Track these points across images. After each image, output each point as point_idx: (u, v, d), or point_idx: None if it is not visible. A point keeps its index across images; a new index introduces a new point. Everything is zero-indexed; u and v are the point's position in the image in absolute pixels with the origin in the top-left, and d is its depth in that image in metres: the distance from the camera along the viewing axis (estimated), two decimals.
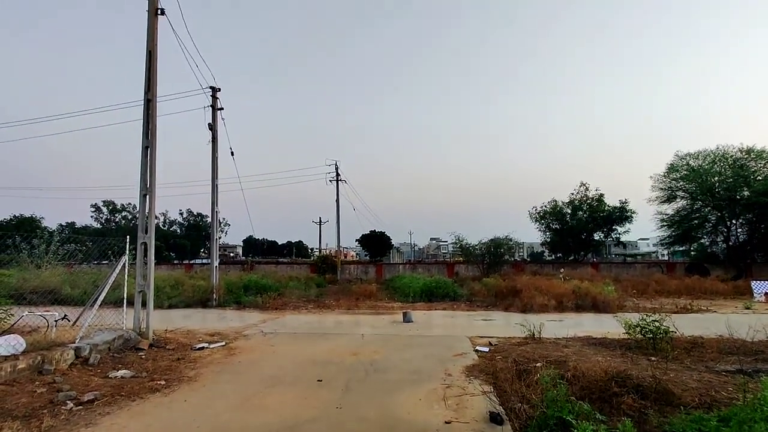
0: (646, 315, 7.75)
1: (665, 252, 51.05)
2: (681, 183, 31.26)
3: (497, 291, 17.01)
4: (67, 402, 4.96)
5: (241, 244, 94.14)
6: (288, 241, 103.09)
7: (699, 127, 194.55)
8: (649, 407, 4.27)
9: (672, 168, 31.81)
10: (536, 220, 40.24)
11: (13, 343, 6.15)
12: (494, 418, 4.40)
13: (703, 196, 29.78)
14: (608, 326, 10.23)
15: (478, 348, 8.24)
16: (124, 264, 8.38)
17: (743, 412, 3.44)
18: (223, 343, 8.84)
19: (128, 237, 8.67)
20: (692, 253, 35.11)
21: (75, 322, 8.26)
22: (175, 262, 48.97)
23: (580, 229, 37.49)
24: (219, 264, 18.10)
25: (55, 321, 7.80)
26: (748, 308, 15.18)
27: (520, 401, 4.55)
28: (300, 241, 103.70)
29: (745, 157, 29.36)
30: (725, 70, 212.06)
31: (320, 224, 57.39)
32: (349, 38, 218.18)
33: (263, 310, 15.20)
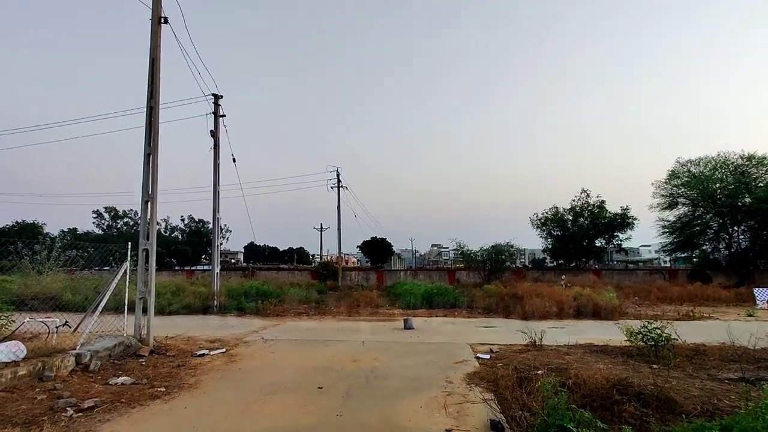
0: (648, 322, 7.73)
1: (667, 259, 50.82)
2: (682, 189, 31.28)
3: (498, 298, 16.98)
4: (67, 409, 4.95)
5: (243, 250, 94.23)
6: (289, 248, 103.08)
7: (699, 132, 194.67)
8: (651, 415, 4.25)
9: (673, 174, 31.85)
10: (537, 227, 40.31)
11: (14, 350, 6.15)
12: (495, 426, 4.38)
13: (704, 203, 29.77)
14: (610, 333, 10.21)
15: (479, 355, 8.21)
16: (126, 270, 8.40)
17: (745, 420, 3.42)
18: (224, 350, 8.83)
19: (130, 243, 8.69)
20: (694, 259, 35.04)
21: (76, 328, 8.26)
22: (177, 268, 48.99)
23: (582, 236, 37.47)
24: (220, 270, 18.11)
25: (56, 327, 7.81)
26: (750, 315, 15.11)
27: (521, 409, 4.53)
28: (301, 248, 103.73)
29: (746, 163, 29.37)
30: (725, 73, 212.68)
31: (321, 231, 57.43)
32: (350, 43, 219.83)
33: (264, 317, 15.18)
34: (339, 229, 36.82)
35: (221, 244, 20.82)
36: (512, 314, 14.96)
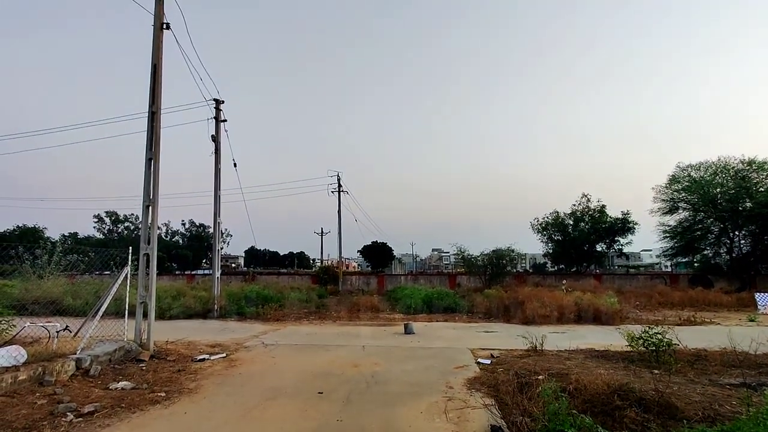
0: (649, 327, 7.73)
1: (668, 263, 50.82)
2: (683, 194, 31.29)
3: (499, 302, 16.94)
4: (68, 414, 4.95)
5: (243, 254, 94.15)
6: (290, 252, 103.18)
7: (699, 132, 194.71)
8: (652, 421, 4.24)
9: (673, 179, 31.87)
10: (538, 231, 40.30)
11: (15, 354, 6.15)
12: None
13: (705, 208, 29.76)
14: (611, 338, 10.19)
15: (479, 360, 8.19)
16: (127, 275, 8.41)
17: (747, 426, 3.41)
18: (224, 355, 8.82)
19: (131, 248, 8.70)
20: (695, 264, 34.97)
21: (76, 333, 8.25)
22: (177, 272, 49.00)
23: (582, 241, 37.45)
24: (221, 275, 18.11)
25: (57, 332, 7.80)
26: (752, 321, 15.07)
27: (521, 414, 4.52)
28: (302, 252, 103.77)
29: (747, 168, 29.37)
30: (725, 74, 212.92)
31: (322, 235, 57.49)
32: (350, 44, 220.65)
33: (264, 321, 15.16)
34: (340, 233, 36.87)
35: (222, 248, 20.85)
36: (513, 319, 14.94)
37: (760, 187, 28.50)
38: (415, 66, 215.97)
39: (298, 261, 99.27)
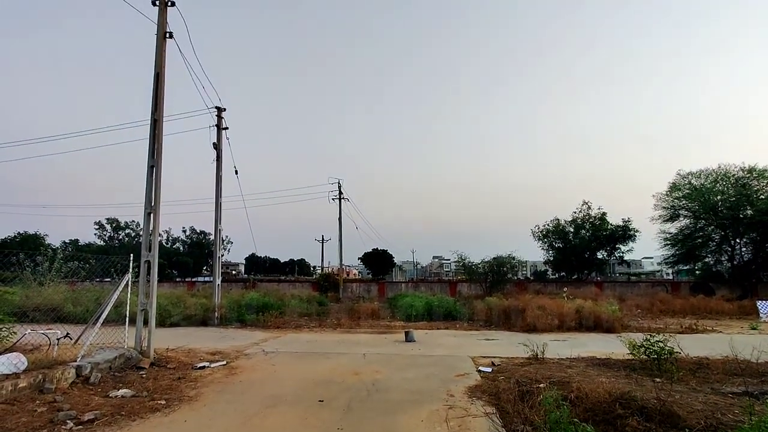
0: (651, 335, 7.70)
1: (669, 271, 50.70)
2: (684, 202, 31.35)
3: (500, 310, 16.89)
4: (67, 421, 4.94)
5: (244, 261, 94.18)
6: (290, 259, 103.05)
7: (699, 132, 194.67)
8: (654, 430, 4.22)
9: (674, 187, 31.93)
10: (539, 239, 40.29)
11: (15, 362, 6.15)
12: None
13: (706, 215, 29.79)
14: (612, 346, 10.15)
15: (480, 368, 8.16)
16: (128, 282, 8.41)
17: None
18: (225, 362, 8.80)
19: (132, 255, 8.72)
20: (697, 272, 34.93)
21: (77, 340, 8.24)
22: (178, 279, 48.93)
23: (583, 248, 37.43)
24: (221, 282, 18.09)
25: (57, 339, 7.80)
26: (754, 329, 15.01)
27: (522, 423, 4.51)
28: (302, 259, 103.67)
29: (747, 176, 29.45)
30: (725, 74, 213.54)
31: (323, 242, 57.43)
32: (352, 52, 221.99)
33: (265, 329, 15.13)
34: (340, 240, 36.86)
35: (222, 255, 20.85)
36: (514, 327, 14.90)
37: (761, 194, 28.54)
38: (414, 69, 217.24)
39: (298, 268, 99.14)
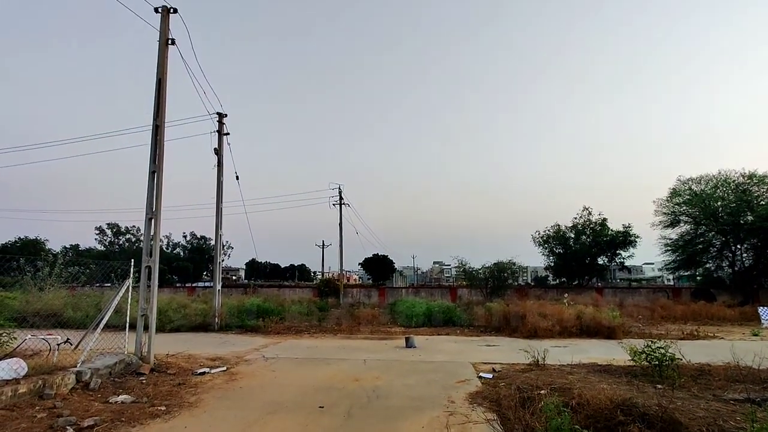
0: (652, 341, 7.69)
1: (670, 277, 50.57)
2: (684, 207, 31.36)
3: (501, 316, 16.86)
4: (67, 428, 4.93)
5: (244, 267, 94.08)
6: (291, 264, 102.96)
7: (699, 134, 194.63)
8: None
9: (674, 193, 31.96)
10: (540, 245, 40.20)
11: (15, 367, 6.14)
12: None
13: (706, 221, 29.79)
14: (613, 353, 10.13)
15: (481, 374, 8.14)
16: (128, 287, 8.42)
17: None
18: (225, 368, 8.78)
19: (132, 260, 8.73)
20: (698, 278, 34.86)
21: (77, 345, 8.24)
22: (178, 285, 48.88)
23: (584, 254, 37.37)
24: (221, 287, 18.08)
25: (57, 344, 7.79)
26: (755, 335, 14.97)
27: (524, 430, 4.50)
28: (303, 265, 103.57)
29: (748, 182, 29.49)
30: (725, 76, 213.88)
31: (323, 248, 57.38)
32: (352, 54, 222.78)
33: (265, 335, 15.09)
34: (341, 246, 36.87)
35: (223, 261, 20.85)
36: (514, 333, 14.87)
37: (761, 200, 28.57)
38: (415, 70, 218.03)
39: (299, 273, 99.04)
